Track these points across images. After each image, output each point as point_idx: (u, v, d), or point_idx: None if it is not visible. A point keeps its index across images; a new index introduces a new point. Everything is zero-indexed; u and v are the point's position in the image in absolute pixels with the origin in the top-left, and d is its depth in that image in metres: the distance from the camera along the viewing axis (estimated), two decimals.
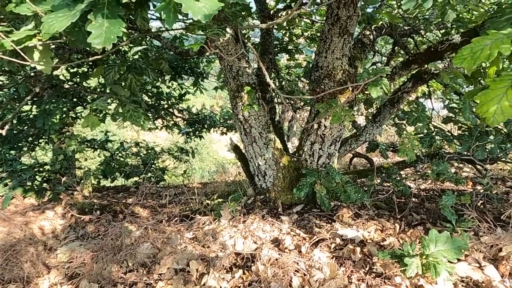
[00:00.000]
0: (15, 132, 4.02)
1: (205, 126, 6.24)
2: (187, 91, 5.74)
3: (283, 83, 4.74)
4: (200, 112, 6.28)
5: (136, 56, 4.06)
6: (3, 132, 2.73)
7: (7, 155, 3.91)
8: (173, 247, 2.35)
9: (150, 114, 5.61)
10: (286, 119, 8.75)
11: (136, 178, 5.09)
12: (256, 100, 2.90)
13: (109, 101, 2.69)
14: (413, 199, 3.11)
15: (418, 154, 3.36)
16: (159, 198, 3.89)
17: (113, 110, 2.94)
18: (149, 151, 5.93)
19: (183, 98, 5.76)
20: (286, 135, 6.42)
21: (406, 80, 3.18)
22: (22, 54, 1.56)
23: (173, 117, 6.11)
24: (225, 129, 6.40)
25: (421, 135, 3.17)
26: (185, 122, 6.28)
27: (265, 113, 3.04)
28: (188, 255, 2.21)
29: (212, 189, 4.36)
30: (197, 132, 6.28)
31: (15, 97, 3.92)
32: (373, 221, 2.56)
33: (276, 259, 2.06)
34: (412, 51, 3.48)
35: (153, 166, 5.56)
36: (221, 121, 6.38)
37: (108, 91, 3.20)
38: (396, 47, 4.18)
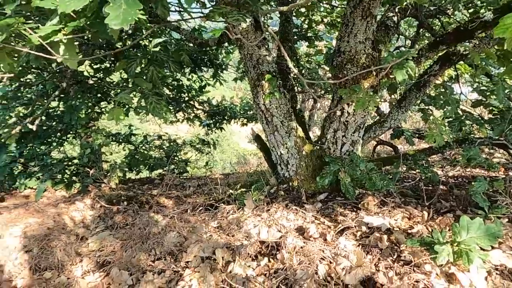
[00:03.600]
0: (44, 128, 4.17)
1: (226, 117, 6.28)
2: (207, 83, 5.77)
3: (303, 71, 4.67)
4: (220, 104, 6.31)
5: (157, 49, 4.11)
6: (34, 127, 2.84)
7: (38, 150, 4.07)
8: (198, 235, 2.39)
9: (171, 107, 5.68)
10: (307, 108, 8.66)
11: (160, 170, 5.20)
12: (277, 88, 2.86)
13: (131, 95, 2.73)
14: (441, 187, 3.01)
15: (446, 139, 3.24)
16: (183, 189, 3.96)
17: (136, 103, 2.99)
18: (172, 143, 6.02)
19: (203, 90, 5.80)
20: (307, 124, 6.36)
21: (432, 62, 3.06)
22: (49, 48, 1.61)
23: (194, 109, 6.18)
24: (245, 120, 6.42)
25: (450, 119, 3.04)
26: (205, 114, 6.33)
27: (287, 101, 3.00)
28: (214, 243, 2.24)
29: (235, 179, 4.38)
30: (218, 124, 6.33)
31: (43, 93, 4.06)
32: (400, 208, 2.50)
33: (301, 247, 2.05)
34: (438, 33, 3.33)
35: (176, 158, 5.65)
36: (241, 112, 6.39)
37: (130, 85, 3.26)
38: (421, 30, 4.00)
